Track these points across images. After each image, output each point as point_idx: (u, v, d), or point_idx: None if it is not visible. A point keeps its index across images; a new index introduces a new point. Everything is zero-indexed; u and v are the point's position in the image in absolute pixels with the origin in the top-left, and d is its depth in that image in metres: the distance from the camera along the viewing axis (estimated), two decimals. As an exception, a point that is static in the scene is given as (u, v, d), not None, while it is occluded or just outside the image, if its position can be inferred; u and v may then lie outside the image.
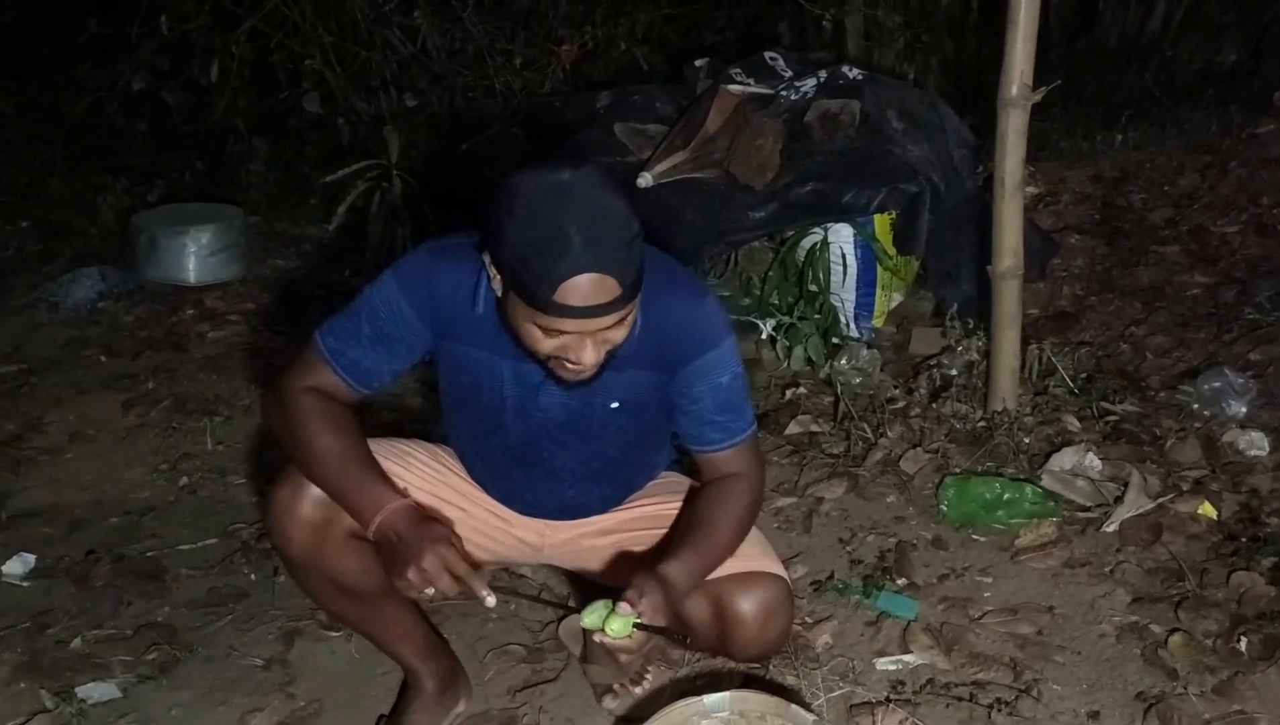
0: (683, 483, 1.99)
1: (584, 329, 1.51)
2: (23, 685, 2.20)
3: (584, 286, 1.46)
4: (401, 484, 1.73)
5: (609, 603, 1.55)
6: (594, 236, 1.45)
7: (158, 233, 4.32)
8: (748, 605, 1.77)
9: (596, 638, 1.55)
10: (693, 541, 1.71)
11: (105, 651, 2.30)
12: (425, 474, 1.88)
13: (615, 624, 1.53)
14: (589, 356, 1.54)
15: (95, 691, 2.16)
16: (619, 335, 1.57)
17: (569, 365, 1.57)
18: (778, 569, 1.83)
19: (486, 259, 1.56)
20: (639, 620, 1.54)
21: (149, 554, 2.66)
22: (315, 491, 1.70)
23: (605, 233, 1.46)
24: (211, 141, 5.35)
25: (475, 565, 1.57)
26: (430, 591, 1.55)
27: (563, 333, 1.52)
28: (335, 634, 2.32)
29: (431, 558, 1.53)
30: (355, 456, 1.68)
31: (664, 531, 1.88)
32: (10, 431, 3.25)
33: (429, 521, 1.61)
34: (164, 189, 5.21)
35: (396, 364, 1.76)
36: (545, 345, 1.55)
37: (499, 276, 1.54)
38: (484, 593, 1.55)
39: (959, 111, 3.82)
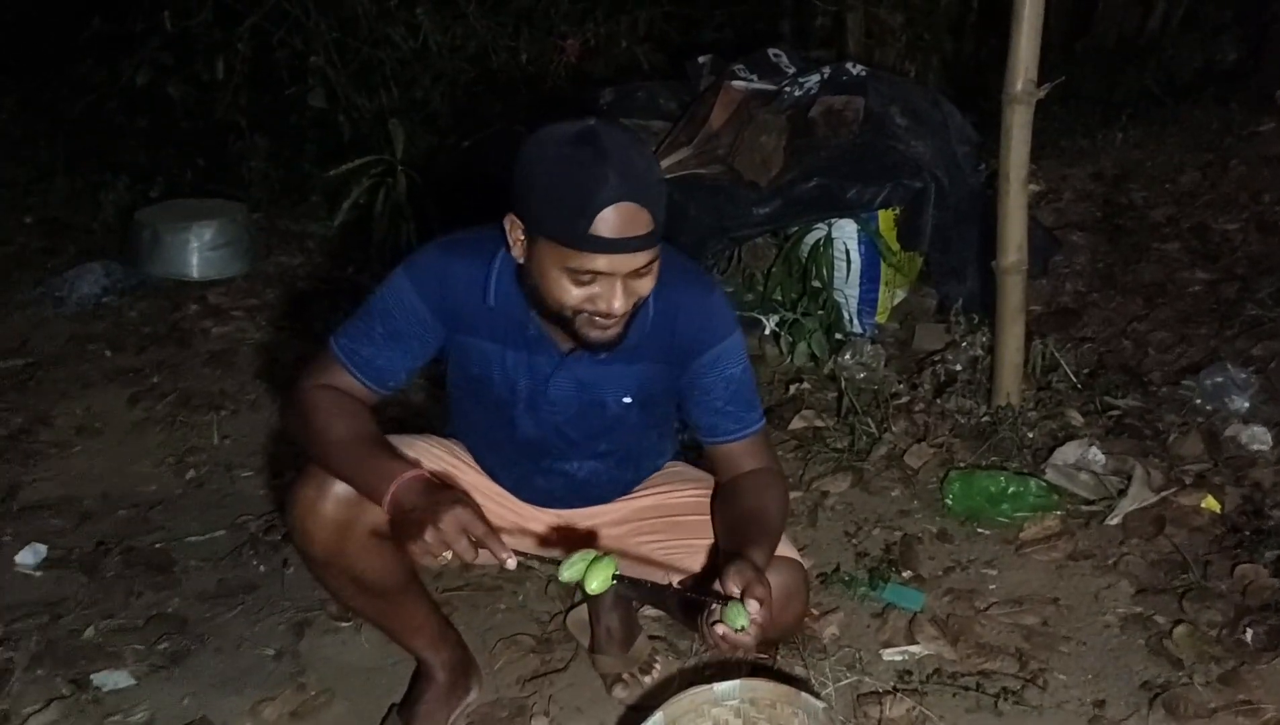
0: (689, 471, 2.00)
1: (616, 268, 1.52)
2: (40, 673, 2.22)
3: (619, 216, 1.48)
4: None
5: (587, 556, 1.52)
6: (627, 168, 1.48)
7: (160, 229, 4.32)
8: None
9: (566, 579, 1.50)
10: (760, 532, 1.67)
11: (118, 641, 2.32)
12: (445, 474, 1.87)
13: (594, 582, 1.50)
14: (618, 303, 1.55)
15: (109, 680, 2.18)
16: (646, 286, 1.59)
17: (597, 319, 1.58)
18: (793, 553, 1.83)
19: (507, 226, 1.58)
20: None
21: (157, 546, 2.67)
22: (339, 490, 1.69)
23: (637, 166, 1.50)
24: (212, 138, 5.36)
25: (493, 528, 1.52)
26: (448, 556, 1.49)
27: (595, 274, 1.53)
28: (345, 625, 2.34)
29: (449, 519, 1.48)
30: (368, 439, 1.68)
31: (675, 518, 1.89)
32: (18, 425, 3.26)
33: (443, 487, 1.58)
34: (165, 185, 5.20)
35: (411, 361, 1.76)
36: (574, 295, 1.55)
37: (521, 239, 1.57)
38: (505, 554, 1.49)
39: (959, 109, 3.83)
